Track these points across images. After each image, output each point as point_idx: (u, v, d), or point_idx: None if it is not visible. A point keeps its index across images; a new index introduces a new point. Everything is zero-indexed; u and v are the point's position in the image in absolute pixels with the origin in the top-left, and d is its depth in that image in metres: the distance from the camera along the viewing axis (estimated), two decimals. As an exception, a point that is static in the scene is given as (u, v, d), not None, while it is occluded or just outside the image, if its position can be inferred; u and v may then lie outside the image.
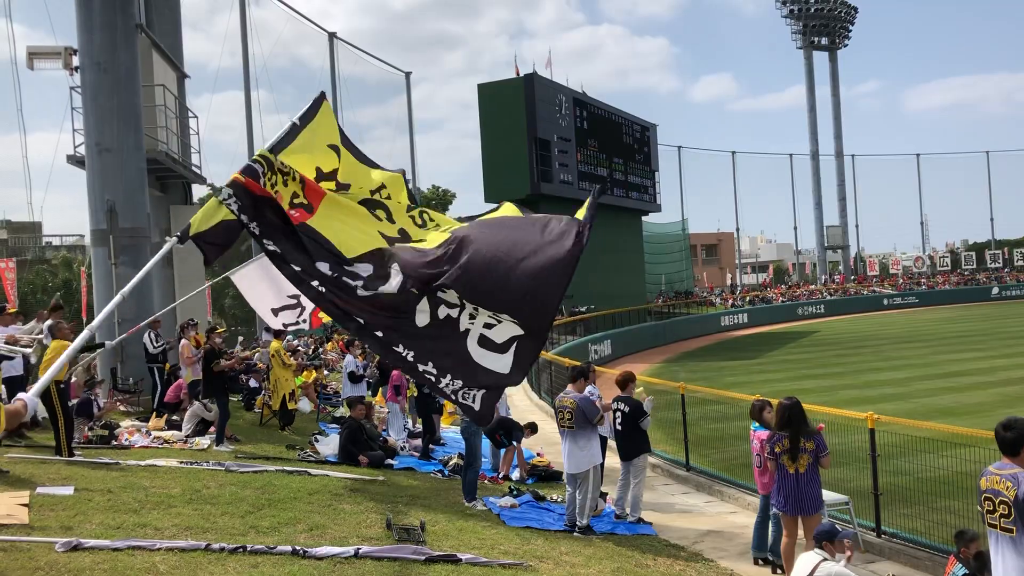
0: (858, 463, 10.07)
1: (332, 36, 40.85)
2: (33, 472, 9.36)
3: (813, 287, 71.87)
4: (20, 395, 4.29)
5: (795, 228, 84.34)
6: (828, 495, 9.02)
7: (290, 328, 11.94)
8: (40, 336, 12.07)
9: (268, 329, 19.63)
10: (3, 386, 11.18)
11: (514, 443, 13.13)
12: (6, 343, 11.64)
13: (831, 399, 17.90)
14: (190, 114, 22.47)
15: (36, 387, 4.32)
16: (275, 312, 11.56)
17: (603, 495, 11.08)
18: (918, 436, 9.50)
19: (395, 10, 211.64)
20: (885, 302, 65.72)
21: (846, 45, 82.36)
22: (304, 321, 11.72)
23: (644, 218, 60.65)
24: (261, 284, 11.26)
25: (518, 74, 46.33)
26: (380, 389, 18.40)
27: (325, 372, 22.21)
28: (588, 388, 10.57)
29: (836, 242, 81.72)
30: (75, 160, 18.03)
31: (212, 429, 13.24)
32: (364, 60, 44.85)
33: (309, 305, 11.09)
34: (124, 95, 16.24)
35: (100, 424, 12.88)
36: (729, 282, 78.63)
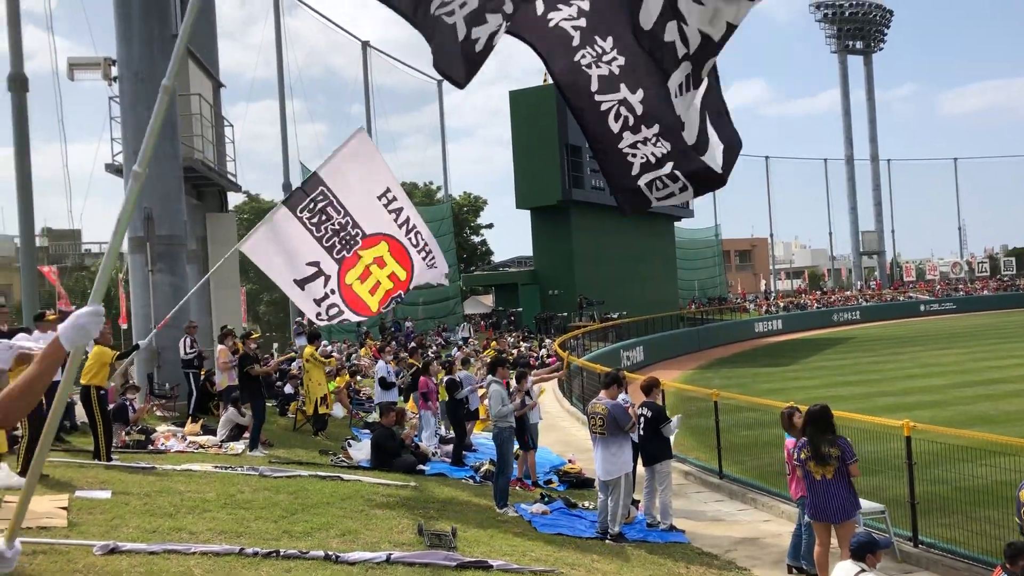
0: (894, 471, 9.93)
1: (365, 45, 41.18)
2: (72, 476, 9.52)
3: (848, 293, 71.05)
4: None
5: (830, 233, 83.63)
6: (864, 504, 8.90)
7: (333, 320, 11.09)
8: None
9: (301, 334, 19.81)
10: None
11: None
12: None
13: (867, 406, 17.66)
14: (226, 123, 22.76)
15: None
16: (300, 286, 10.57)
17: (635, 502, 11.04)
18: (956, 444, 9.36)
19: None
20: (922, 308, 64.78)
21: (881, 48, 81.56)
22: (336, 309, 10.51)
23: (676, 224, 60.39)
24: (276, 259, 10.66)
25: (547, 80, 46.31)
26: (411, 395, 18.48)
27: (358, 377, 22.35)
28: (621, 395, 10.55)
29: (872, 247, 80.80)
30: (113, 169, 18.34)
31: (246, 434, 13.37)
32: (396, 69, 45.37)
33: (333, 271, 10.40)
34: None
35: (137, 429, 13.06)
36: (763, 288, 77.99)
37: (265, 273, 11.26)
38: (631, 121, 5.32)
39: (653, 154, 5.34)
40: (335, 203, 10.44)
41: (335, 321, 10.83)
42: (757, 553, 9.68)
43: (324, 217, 10.38)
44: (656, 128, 5.28)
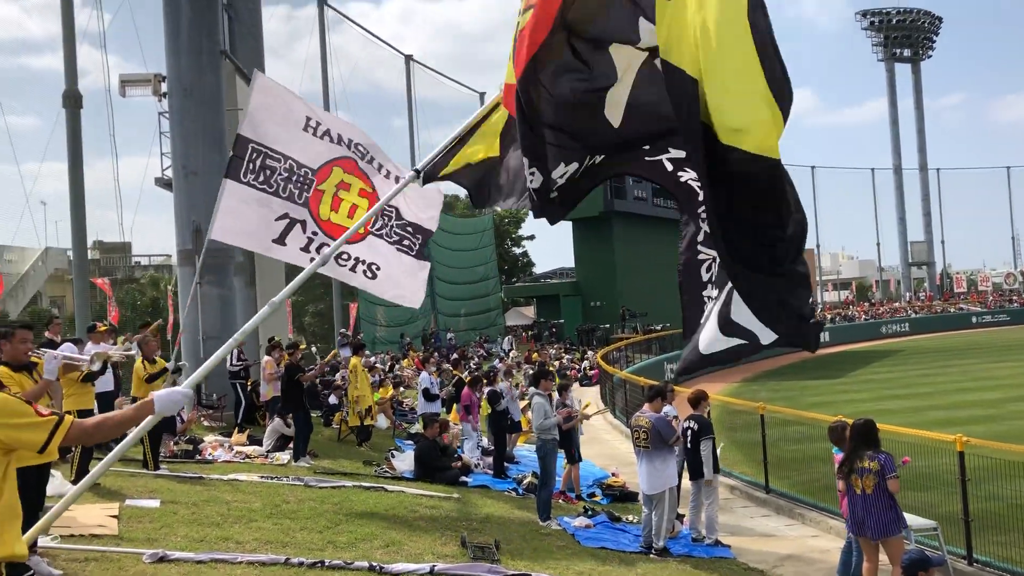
0: (946, 487, 9.70)
1: (408, 59, 41.57)
2: (122, 484, 9.68)
3: (897, 304, 69.80)
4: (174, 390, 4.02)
5: (878, 244, 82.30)
6: (915, 520, 8.71)
7: (338, 266, 9.65)
8: (132, 352, 12.50)
9: (345, 345, 19.98)
10: (96, 401, 11.58)
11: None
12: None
13: (917, 420, 17.30)
14: (272, 136, 23.06)
15: (190, 380, 4.44)
16: (281, 242, 9.91)
17: (680, 517, 10.93)
18: (1011, 460, 9.10)
19: (468, 32, 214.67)
20: (974, 320, 63.38)
21: (929, 56, 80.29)
22: (328, 248, 8.95)
23: (720, 235, 59.80)
24: (246, 230, 10.05)
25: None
26: (454, 405, 18.52)
27: (401, 389, 22.46)
28: (665, 408, 10.46)
29: (921, 258, 79.36)
30: (163, 183, 18.70)
31: (292, 444, 13.49)
32: (439, 82, 45.60)
33: (305, 215, 9.70)
34: (209, 119, 16.80)
35: (184, 439, 13.25)
36: (809, 300, 76.84)
37: (246, 249, 10.71)
38: (714, 277, 5.64)
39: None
40: (271, 153, 10.00)
41: (341, 266, 9.74)
42: (804, 569, 9.51)
43: (269, 172, 9.94)
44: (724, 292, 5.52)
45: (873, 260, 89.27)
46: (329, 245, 9.24)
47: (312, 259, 9.27)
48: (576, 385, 23.92)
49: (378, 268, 9.77)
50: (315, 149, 9.96)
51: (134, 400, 11.24)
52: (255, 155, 9.93)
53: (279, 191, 9.75)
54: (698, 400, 10.86)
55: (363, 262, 9.76)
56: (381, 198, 8.67)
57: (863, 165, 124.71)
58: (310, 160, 9.86)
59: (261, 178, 9.90)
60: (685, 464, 11.17)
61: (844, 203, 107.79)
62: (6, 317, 16.69)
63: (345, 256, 9.67)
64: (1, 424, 3.34)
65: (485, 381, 16.20)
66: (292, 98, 10.55)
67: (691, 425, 10.59)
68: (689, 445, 10.57)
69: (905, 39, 78.33)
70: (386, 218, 9.96)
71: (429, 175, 7.34)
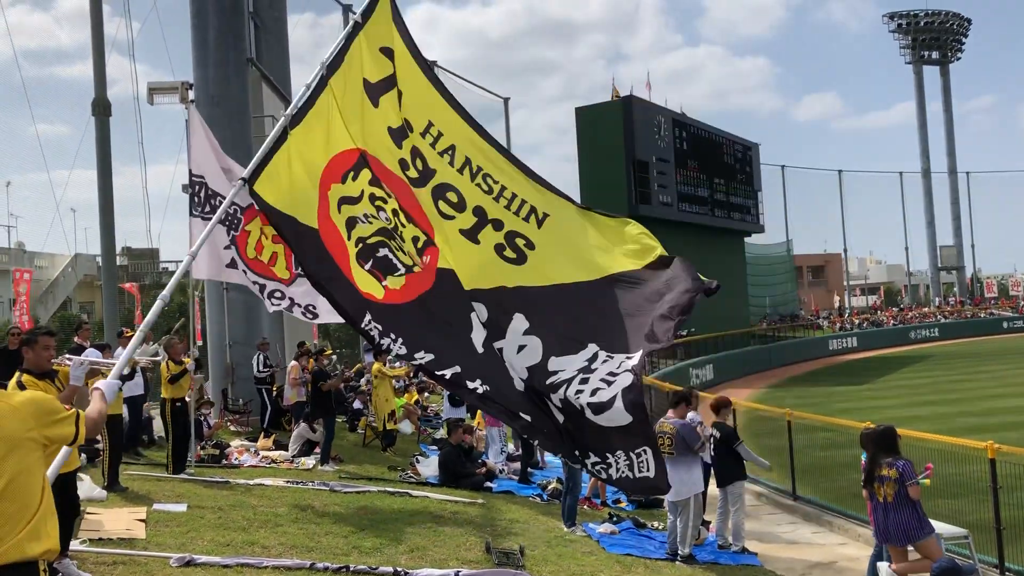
0: (977, 495, 9.56)
1: (432, 65, 41.70)
2: (150, 489, 9.77)
3: (926, 309, 68.98)
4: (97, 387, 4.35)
5: (906, 248, 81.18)
6: (945, 528, 8.59)
7: (274, 302, 9.99)
8: (159, 358, 12.64)
9: (369, 350, 20.05)
10: (125, 405, 11.71)
11: None
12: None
13: (947, 427, 17.08)
14: (298, 143, 23.20)
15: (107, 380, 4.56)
16: (233, 267, 10.00)
17: (706, 523, 10.85)
18: (1044, 468, 8.96)
19: (492, 38, 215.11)
20: (1005, 325, 62.45)
21: (958, 58, 79.26)
22: (257, 286, 9.80)
23: (747, 239, 59.50)
24: (215, 262, 10.08)
25: (616, 96, 46.16)
26: (480, 412, 18.51)
27: (426, 394, 22.50)
28: (690, 414, 10.39)
29: (950, 263, 78.36)
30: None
31: (317, 449, 13.55)
32: (463, 88, 45.49)
33: (235, 255, 9.71)
34: (235, 126, 16.94)
35: (211, 443, 13.35)
36: (837, 305, 76.22)
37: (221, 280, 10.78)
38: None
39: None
40: (208, 188, 10.24)
41: (275, 305, 10.01)
42: (833, 577, 9.41)
43: (211, 204, 10.14)
44: None
45: (902, 264, 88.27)
46: (259, 282, 9.74)
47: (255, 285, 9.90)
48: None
49: (315, 308, 9.77)
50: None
51: (163, 403, 11.37)
52: (198, 187, 10.22)
53: (223, 222, 9.66)
54: (719, 407, 10.76)
55: (299, 305, 9.89)
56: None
57: (891, 169, 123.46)
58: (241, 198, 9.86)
59: (207, 209, 10.19)
60: (712, 471, 11.11)
61: (872, 207, 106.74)
62: (37, 322, 16.90)
63: (279, 294, 9.86)
64: (46, 423, 3.54)
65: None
66: (208, 143, 10.79)
67: (714, 432, 10.49)
68: (714, 452, 10.48)
69: (933, 41, 77.45)
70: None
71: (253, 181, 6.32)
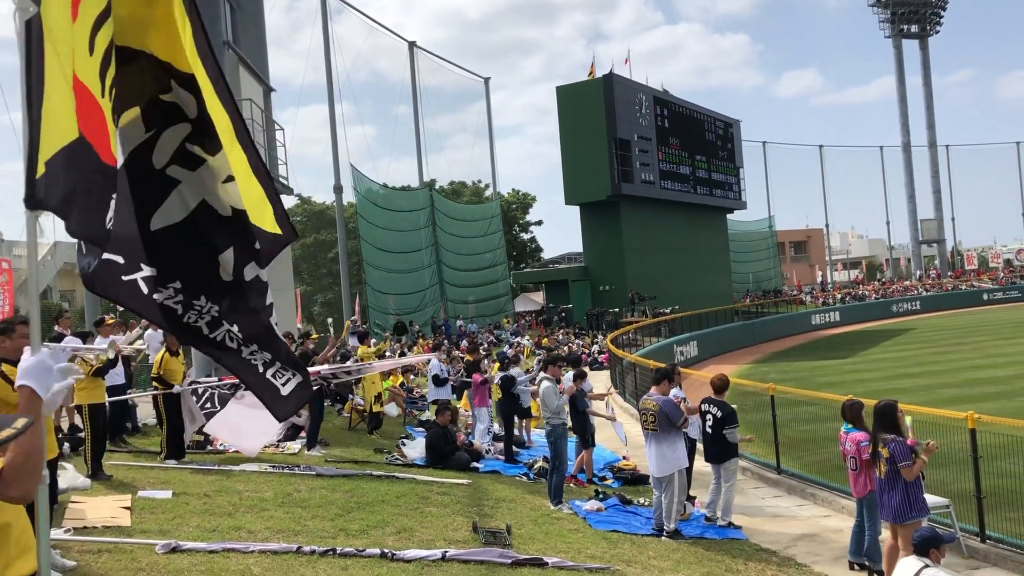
0: (958, 465, 9.67)
1: (412, 45, 41.40)
2: (135, 476, 9.73)
3: (908, 283, 69.53)
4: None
5: (887, 223, 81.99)
6: (928, 498, 8.68)
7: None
8: (144, 347, 12.59)
9: (354, 334, 20.02)
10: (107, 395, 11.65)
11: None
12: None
13: (929, 399, 17.25)
14: (276, 127, 23.08)
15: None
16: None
17: (691, 499, 10.93)
18: (1023, 436, 9.07)
19: (470, 18, 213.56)
20: (985, 297, 63.05)
21: (937, 32, 79.56)
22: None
23: (729, 216, 59.71)
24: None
25: (592, 75, 45.91)
26: (465, 392, 18.54)
27: (411, 376, 22.50)
28: (673, 391, 10.43)
29: (931, 236, 78.98)
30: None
31: (303, 433, 13.54)
32: (443, 69, 45.33)
33: None
34: (214, 110, 16.77)
35: (196, 430, 13.28)
36: (819, 279, 76.71)
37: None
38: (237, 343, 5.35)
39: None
40: None
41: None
42: (817, 549, 9.51)
43: None
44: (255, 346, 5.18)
45: (883, 238, 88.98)
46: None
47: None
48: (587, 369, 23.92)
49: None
50: None
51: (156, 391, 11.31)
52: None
53: None
54: (723, 387, 10.71)
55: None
56: None
57: (872, 143, 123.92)
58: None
59: None
60: (699, 446, 11.16)
61: (853, 182, 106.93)
62: (18, 312, 16.79)
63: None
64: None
65: (497, 363, 16.21)
66: None
67: (713, 411, 10.47)
68: (711, 430, 10.49)
69: (912, 15, 77.65)
70: None
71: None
